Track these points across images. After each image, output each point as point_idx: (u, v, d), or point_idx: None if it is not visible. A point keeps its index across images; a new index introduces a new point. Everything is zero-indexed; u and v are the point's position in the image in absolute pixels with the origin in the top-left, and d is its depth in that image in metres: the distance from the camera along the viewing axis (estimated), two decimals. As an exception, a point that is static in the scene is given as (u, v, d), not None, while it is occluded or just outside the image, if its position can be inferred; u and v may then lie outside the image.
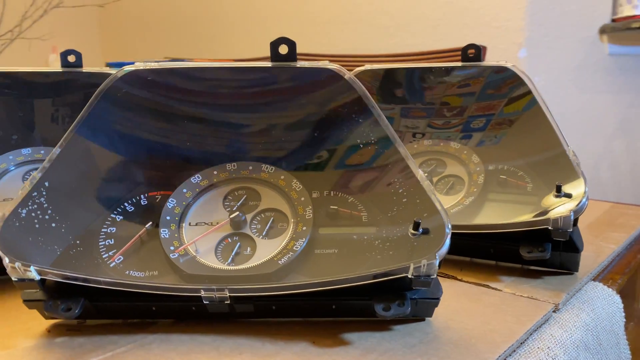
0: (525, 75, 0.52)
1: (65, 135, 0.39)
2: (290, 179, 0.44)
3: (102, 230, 0.42)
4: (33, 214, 0.38)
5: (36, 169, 0.53)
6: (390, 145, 0.39)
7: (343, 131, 0.41)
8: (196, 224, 0.43)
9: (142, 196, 0.44)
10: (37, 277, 0.36)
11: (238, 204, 0.44)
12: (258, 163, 0.45)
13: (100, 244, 0.41)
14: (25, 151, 0.54)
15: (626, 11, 1.54)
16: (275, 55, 0.40)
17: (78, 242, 0.40)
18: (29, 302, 0.37)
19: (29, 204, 0.38)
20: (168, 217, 0.42)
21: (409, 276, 0.36)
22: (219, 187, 0.45)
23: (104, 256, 0.40)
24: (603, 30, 1.56)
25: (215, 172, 0.45)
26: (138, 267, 0.40)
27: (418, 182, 0.38)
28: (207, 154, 0.45)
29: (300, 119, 0.42)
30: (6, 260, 0.35)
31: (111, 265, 0.40)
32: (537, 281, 0.48)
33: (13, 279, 0.36)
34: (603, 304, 0.48)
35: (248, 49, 2.18)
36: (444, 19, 1.69)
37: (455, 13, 1.66)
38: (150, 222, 0.42)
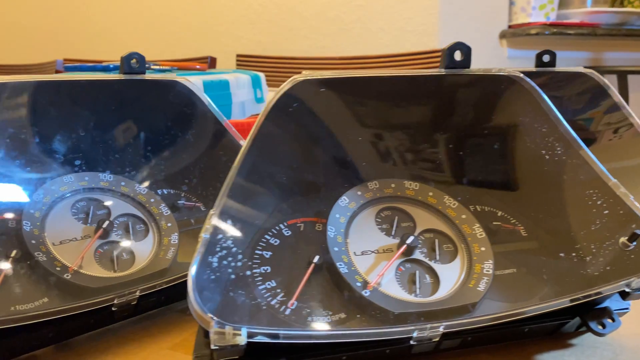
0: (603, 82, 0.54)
1: (239, 160, 0.32)
2: (441, 195, 0.40)
3: (255, 271, 0.35)
4: (225, 262, 0.30)
5: (91, 198, 0.44)
6: (572, 152, 0.38)
7: (515, 140, 0.39)
8: (362, 253, 0.37)
9: (281, 225, 0.38)
10: (245, 341, 0.28)
11: (394, 227, 0.39)
12: (400, 180, 0.41)
13: (259, 288, 0.34)
14: (74, 177, 0.43)
15: (521, 19, 1.69)
16: (451, 62, 0.36)
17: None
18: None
19: (217, 249, 0.30)
20: (336, 248, 0.36)
21: (627, 290, 0.34)
22: (365, 209, 0.40)
23: (272, 302, 0.34)
24: (503, 35, 1.70)
25: (359, 193, 0.40)
26: (319, 310, 0.34)
27: (611, 189, 0.37)
28: (349, 172, 0.40)
29: (474, 128, 0.39)
30: (214, 327, 0.27)
31: (287, 313, 0.33)
32: None
33: (213, 347, 0.28)
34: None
35: (148, 48, 2.01)
36: (358, 22, 1.71)
37: (369, 17, 1.69)
38: (318, 256, 0.36)
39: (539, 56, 0.55)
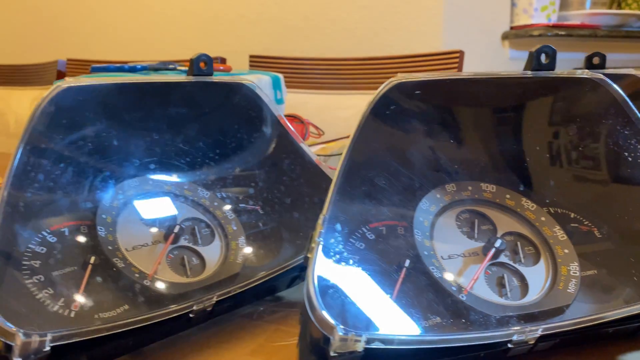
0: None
1: (342, 162, 0.31)
2: (519, 197, 0.40)
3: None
4: (337, 266, 0.29)
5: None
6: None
7: (598, 142, 0.39)
8: (449, 257, 0.37)
9: (364, 229, 0.37)
10: (363, 348, 0.28)
11: (475, 230, 0.39)
12: (477, 182, 0.41)
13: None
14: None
15: (522, 20, 1.71)
16: (537, 65, 0.36)
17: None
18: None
19: (330, 253, 0.29)
20: (425, 252, 0.36)
21: None
22: (445, 212, 0.39)
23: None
24: (505, 37, 1.71)
25: (438, 196, 0.39)
26: (415, 314, 0.34)
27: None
28: (428, 174, 0.39)
29: (557, 131, 0.39)
30: (339, 332, 0.27)
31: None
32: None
33: (333, 354, 0.28)
34: None
35: (148, 49, 1.99)
36: (361, 23, 1.71)
37: (372, 17, 1.69)
38: (408, 260, 0.35)
39: (588, 58, 0.55)
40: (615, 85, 0.38)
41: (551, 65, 0.37)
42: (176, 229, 0.41)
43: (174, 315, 0.36)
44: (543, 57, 0.37)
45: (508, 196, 0.40)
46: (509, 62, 1.74)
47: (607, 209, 0.40)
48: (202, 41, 1.94)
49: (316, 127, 0.93)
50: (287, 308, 0.45)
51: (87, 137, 0.40)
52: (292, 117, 0.90)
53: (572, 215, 0.41)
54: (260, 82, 0.92)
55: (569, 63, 1.49)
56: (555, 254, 0.38)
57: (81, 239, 0.38)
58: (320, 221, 0.30)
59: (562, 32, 1.58)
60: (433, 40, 1.63)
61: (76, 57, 1.56)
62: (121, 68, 0.76)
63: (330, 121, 1.15)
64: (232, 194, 0.47)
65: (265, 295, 0.45)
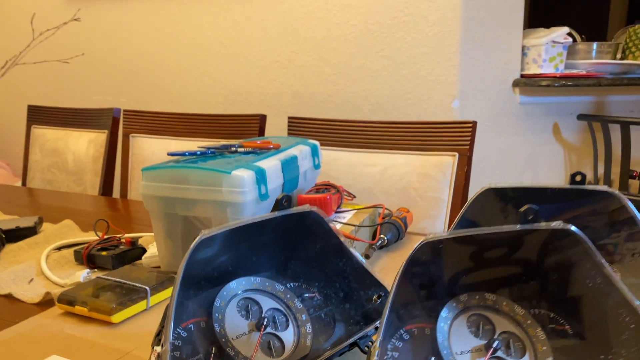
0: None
1: (388, 303, 0.47)
2: (512, 304, 0.56)
3: (391, 368, 0.50)
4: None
5: (248, 297, 0.59)
6: (608, 282, 0.53)
7: (567, 273, 0.55)
8: (461, 352, 0.53)
9: (401, 331, 0.53)
10: None
11: (480, 330, 0.55)
12: (482, 293, 0.56)
13: (396, 381, 0.50)
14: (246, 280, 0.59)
15: (532, 69, 1.85)
16: (524, 220, 0.52)
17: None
18: None
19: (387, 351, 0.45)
20: (445, 352, 0.52)
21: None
22: (459, 316, 0.55)
23: (406, 392, 0.49)
24: (516, 84, 1.86)
25: (454, 305, 0.55)
26: (438, 398, 0.49)
27: (635, 309, 0.52)
28: (446, 291, 0.55)
29: (539, 268, 0.55)
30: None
31: (417, 400, 0.49)
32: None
33: None
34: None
35: (188, 96, 2.16)
36: (384, 71, 1.87)
37: (394, 66, 1.85)
38: (433, 357, 0.51)
39: (572, 176, 0.70)
40: (582, 234, 0.53)
41: (535, 219, 0.52)
42: (264, 321, 0.57)
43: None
44: (528, 215, 0.52)
45: (504, 303, 0.56)
46: (519, 107, 1.89)
47: (578, 319, 0.55)
48: (239, 84, 2.11)
49: (349, 193, 1.09)
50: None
51: (214, 266, 0.56)
52: (329, 186, 1.06)
53: (551, 315, 0.57)
54: (302, 152, 1.08)
55: (573, 106, 1.66)
56: (536, 350, 0.54)
57: (205, 333, 0.54)
58: (376, 343, 0.46)
59: (569, 82, 1.73)
60: (449, 88, 1.78)
61: (129, 107, 1.73)
62: (194, 153, 0.92)
63: (359, 176, 1.32)
64: (303, 289, 0.63)
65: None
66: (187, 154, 0.92)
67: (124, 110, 1.63)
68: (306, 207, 0.60)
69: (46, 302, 0.81)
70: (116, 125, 1.66)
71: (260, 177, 0.87)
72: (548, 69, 1.81)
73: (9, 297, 0.83)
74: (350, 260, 0.63)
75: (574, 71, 1.87)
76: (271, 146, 1.02)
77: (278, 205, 0.58)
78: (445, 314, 0.54)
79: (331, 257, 0.63)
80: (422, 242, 0.50)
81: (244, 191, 0.83)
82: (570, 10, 4.24)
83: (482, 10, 1.75)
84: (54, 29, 1.80)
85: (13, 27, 2.58)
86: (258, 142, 1.02)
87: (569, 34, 2.10)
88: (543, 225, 0.53)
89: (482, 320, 0.56)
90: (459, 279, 0.55)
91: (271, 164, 0.93)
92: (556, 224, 0.53)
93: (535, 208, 0.53)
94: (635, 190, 1.77)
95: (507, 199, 0.71)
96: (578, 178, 0.71)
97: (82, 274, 0.86)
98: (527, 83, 1.81)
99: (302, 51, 1.98)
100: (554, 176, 2.01)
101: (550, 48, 1.78)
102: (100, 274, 0.85)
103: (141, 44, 2.28)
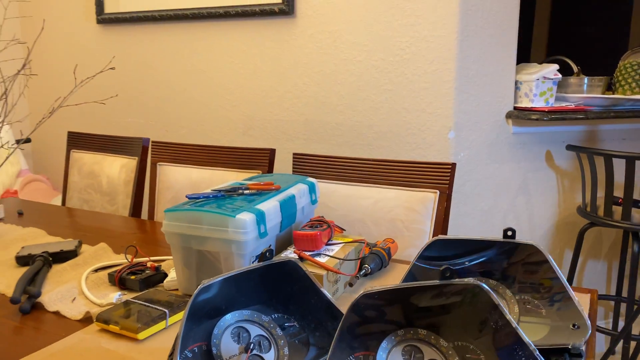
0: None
1: (340, 328, 0.65)
2: (438, 338, 0.74)
3: (339, 385, 0.68)
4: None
5: (240, 327, 0.77)
6: (507, 324, 0.70)
7: (478, 317, 0.72)
8: (394, 375, 0.71)
9: (351, 357, 0.71)
10: None
11: (412, 357, 0.72)
12: (415, 329, 0.74)
13: (342, 395, 0.68)
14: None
15: (524, 102, 2.00)
16: (442, 277, 0.69)
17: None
18: None
19: (328, 385, 0.63)
20: (381, 374, 0.70)
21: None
22: (396, 346, 0.73)
23: (349, 403, 0.67)
24: (509, 116, 2.01)
25: (392, 337, 0.73)
26: (372, 408, 0.67)
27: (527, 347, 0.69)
28: (388, 324, 0.73)
29: (456, 314, 0.72)
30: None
31: (356, 409, 0.67)
32: (558, 374, 0.82)
33: None
34: (593, 384, 0.84)
35: (210, 122, 2.37)
36: (386, 103, 2.04)
37: (395, 99, 2.02)
38: (371, 378, 0.69)
39: (505, 231, 0.87)
40: (489, 289, 0.70)
41: (452, 277, 0.70)
42: (252, 345, 0.76)
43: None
44: (447, 274, 0.70)
45: (432, 337, 0.74)
46: (512, 136, 2.03)
47: (489, 344, 0.72)
48: (256, 111, 2.30)
49: (338, 227, 1.27)
50: (311, 388, 0.79)
51: (211, 305, 0.75)
52: (321, 221, 1.24)
53: (470, 347, 0.74)
54: (300, 191, 1.26)
55: (567, 135, 1.82)
56: (453, 374, 0.71)
57: (205, 354, 0.73)
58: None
59: (557, 116, 1.87)
60: (446, 120, 1.94)
61: (158, 130, 1.94)
62: (208, 196, 1.12)
63: (353, 207, 1.49)
64: (284, 320, 0.81)
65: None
66: (201, 196, 1.11)
67: (152, 141, 1.84)
68: (285, 258, 0.79)
69: (86, 319, 1.01)
70: (145, 153, 1.87)
71: (260, 218, 1.06)
72: (539, 103, 1.95)
73: (56, 313, 1.04)
74: (320, 297, 0.82)
75: (564, 104, 2.01)
76: (272, 187, 1.21)
77: (263, 257, 0.76)
78: (384, 344, 0.72)
79: (305, 295, 0.81)
80: (362, 294, 0.68)
81: (246, 231, 1.02)
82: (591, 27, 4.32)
83: (476, 48, 1.91)
84: (92, 77, 2.04)
85: (58, 74, 2.83)
86: (262, 183, 1.21)
87: (566, 64, 2.23)
88: (457, 281, 0.70)
89: (414, 350, 0.73)
90: (396, 318, 0.73)
91: (270, 206, 1.12)
92: (468, 281, 0.70)
93: (451, 268, 0.70)
94: (619, 216, 1.90)
95: (453, 247, 0.88)
96: (509, 233, 0.88)
97: (115, 296, 1.06)
98: (519, 116, 1.96)
99: (313, 83, 2.16)
100: (546, 200, 2.16)
101: (541, 84, 1.93)
102: (130, 296, 1.04)
103: (169, 75, 2.50)
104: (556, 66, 1.93)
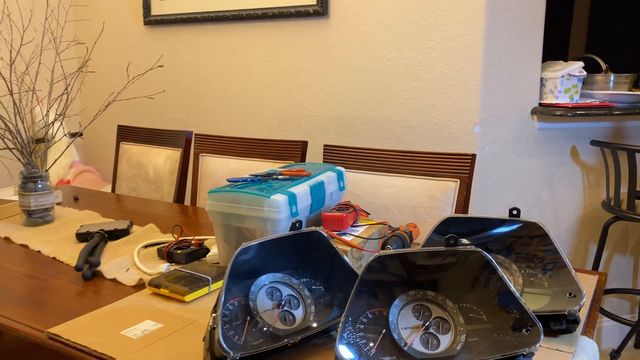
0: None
1: (357, 283, 0.77)
2: (445, 299, 0.84)
3: (359, 335, 0.79)
4: (358, 333, 0.75)
5: (273, 287, 0.90)
6: (505, 287, 0.80)
7: (480, 282, 0.82)
8: (405, 328, 0.81)
9: (367, 312, 0.82)
10: (356, 367, 0.73)
11: (421, 314, 0.83)
12: (424, 290, 0.85)
13: (359, 340, 0.79)
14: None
15: (549, 99, 2.07)
16: (447, 244, 0.80)
17: (351, 343, 0.78)
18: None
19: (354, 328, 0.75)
20: (393, 326, 0.81)
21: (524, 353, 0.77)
22: (407, 305, 0.84)
23: (369, 352, 0.78)
24: (534, 112, 2.08)
25: (404, 297, 0.84)
26: (384, 355, 0.78)
27: (522, 305, 0.79)
28: (403, 286, 0.84)
29: (462, 275, 0.83)
30: (346, 361, 0.72)
31: (371, 355, 0.78)
32: (556, 339, 0.92)
33: (344, 369, 0.73)
34: (590, 348, 0.92)
35: (247, 116, 2.51)
36: (415, 99, 2.13)
37: (424, 95, 2.11)
38: (384, 330, 0.80)
39: (510, 210, 0.97)
40: (488, 255, 0.80)
41: (455, 244, 0.80)
42: (283, 302, 0.88)
43: (284, 344, 0.83)
44: (451, 242, 0.80)
45: (440, 298, 0.84)
46: (537, 132, 2.10)
47: (489, 304, 0.82)
48: (290, 107, 2.43)
49: (364, 211, 1.38)
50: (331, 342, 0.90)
51: (250, 265, 0.88)
52: (348, 205, 1.35)
53: (474, 307, 0.84)
54: (329, 178, 1.38)
55: (593, 131, 1.89)
56: (457, 330, 0.81)
57: (243, 308, 0.85)
58: (342, 318, 0.76)
59: (582, 112, 1.93)
60: (472, 115, 2.03)
61: (199, 123, 2.08)
62: (246, 180, 1.24)
63: (379, 195, 1.60)
64: (311, 283, 0.93)
65: (322, 335, 0.91)
66: (240, 180, 1.24)
67: (195, 134, 1.99)
68: (312, 228, 0.90)
69: (139, 285, 1.15)
70: (188, 145, 2.02)
71: (292, 200, 1.18)
72: (563, 99, 2.02)
73: (113, 280, 1.18)
74: (343, 264, 0.93)
75: (589, 100, 2.07)
76: (304, 174, 1.33)
77: (293, 226, 0.88)
78: (397, 302, 0.83)
79: (329, 261, 0.93)
80: (376, 255, 0.79)
81: (279, 210, 1.14)
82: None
83: (502, 47, 1.99)
84: (142, 74, 2.21)
85: (109, 72, 3.03)
86: (294, 170, 1.33)
87: (595, 62, 2.28)
88: (460, 247, 0.81)
89: (423, 309, 0.84)
90: (408, 279, 0.84)
91: (302, 189, 1.24)
92: (469, 247, 0.81)
93: (455, 236, 0.81)
94: (642, 210, 1.94)
95: (464, 225, 0.98)
96: (514, 212, 0.97)
97: (164, 267, 1.20)
98: (544, 112, 2.02)
99: (345, 80, 2.28)
100: (571, 194, 2.21)
101: (566, 81, 1.99)
102: (177, 267, 1.18)
103: (210, 73, 2.65)
104: (581, 64, 1.99)
